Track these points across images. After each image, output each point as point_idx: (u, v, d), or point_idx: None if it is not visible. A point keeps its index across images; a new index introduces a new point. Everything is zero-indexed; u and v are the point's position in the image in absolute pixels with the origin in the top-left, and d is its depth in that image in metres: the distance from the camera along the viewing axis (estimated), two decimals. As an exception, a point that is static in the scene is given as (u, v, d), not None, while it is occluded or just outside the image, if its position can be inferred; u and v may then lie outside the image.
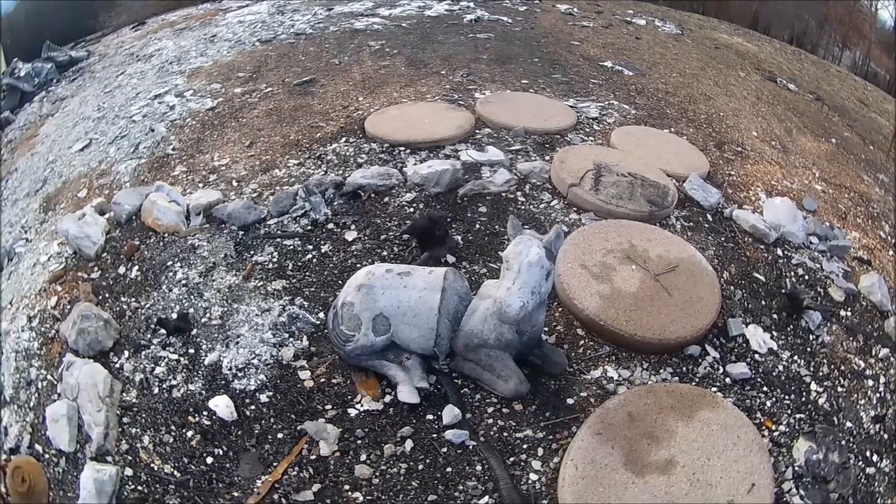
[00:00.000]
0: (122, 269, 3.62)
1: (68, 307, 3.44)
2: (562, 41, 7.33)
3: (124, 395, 2.90)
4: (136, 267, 3.59)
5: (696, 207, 4.08)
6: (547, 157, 4.32)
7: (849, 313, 3.57)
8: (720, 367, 2.93)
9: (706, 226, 3.95)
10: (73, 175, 5.30)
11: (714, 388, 2.79)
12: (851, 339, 3.41)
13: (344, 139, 4.59)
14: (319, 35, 7.41)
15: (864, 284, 3.82)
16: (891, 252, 4.54)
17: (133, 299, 3.37)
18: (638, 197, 3.79)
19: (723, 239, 3.87)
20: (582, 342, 2.95)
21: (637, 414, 2.40)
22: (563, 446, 2.40)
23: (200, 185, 4.37)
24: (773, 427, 2.72)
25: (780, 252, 3.89)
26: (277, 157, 4.51)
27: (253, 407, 2.68)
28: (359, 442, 2.52)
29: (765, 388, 2.90)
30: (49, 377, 3.13)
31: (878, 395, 3.14)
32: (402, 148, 4.38)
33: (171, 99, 6.21)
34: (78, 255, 3.89)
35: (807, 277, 3.75)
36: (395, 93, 5.45)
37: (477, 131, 4.66)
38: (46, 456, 2.79)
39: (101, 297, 3.47)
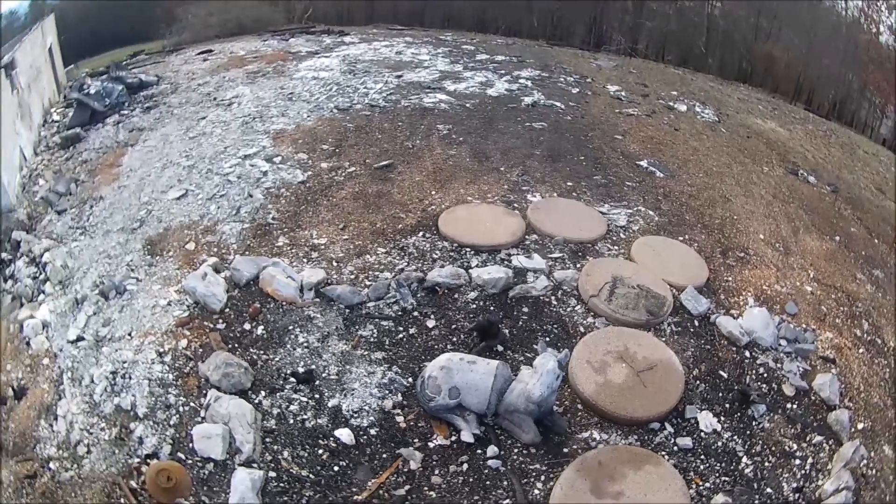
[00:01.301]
0: (247, 326, 5.77)
1: (200, 350, 5.41)
2: (606, 134, 9.69)
3: (265, 422, 4.94)
4: (262, 326, 5.76)
5: (686, 314, 6.26)
6: (579, 266, 6.61)
7: (795, 406, 5.51)
8: (672, 439, 5.08)
9: (691, 330, 6.14)
10: (173, 223, 7.37)
11: (663, 453, 4.95)
12: (790, 426, 5.32)
13: (421, 233, 6.99)
14: (392, 110, 9.84)
15: (817, 382, 5.66)
16: (861, 349, 6.27)
17: (262, 352, 5.53)
18: (640, 307, 6.05)
19: (702, 342, 6.03)
20: (580, 414, 5.20)
21: (604, 462, 4.67)
22: (556, 476, 4.67)
23: (304, 260, 6.64)
24: (701, 483, 4.82)
25: (748, 353, 5.93)
26: (367, 243, 6.86)
27: (365, 437, 4.93)
28: (434, 462, 4.79)
29: (702, 456, 5.00)
30: (191, 404, 4.94)
31: (803, 471, 4.90)
32: (467, 249, 6.73)
33: (262, 163, 8.42)
34: (201, 307, 5.88)
35: (765, 375, 5.74)
36: (461, 189, 7.84)
37: (527, 237, 6.99)
38: (190, 462, 4.52)
39: (230, 346, 5.53)
